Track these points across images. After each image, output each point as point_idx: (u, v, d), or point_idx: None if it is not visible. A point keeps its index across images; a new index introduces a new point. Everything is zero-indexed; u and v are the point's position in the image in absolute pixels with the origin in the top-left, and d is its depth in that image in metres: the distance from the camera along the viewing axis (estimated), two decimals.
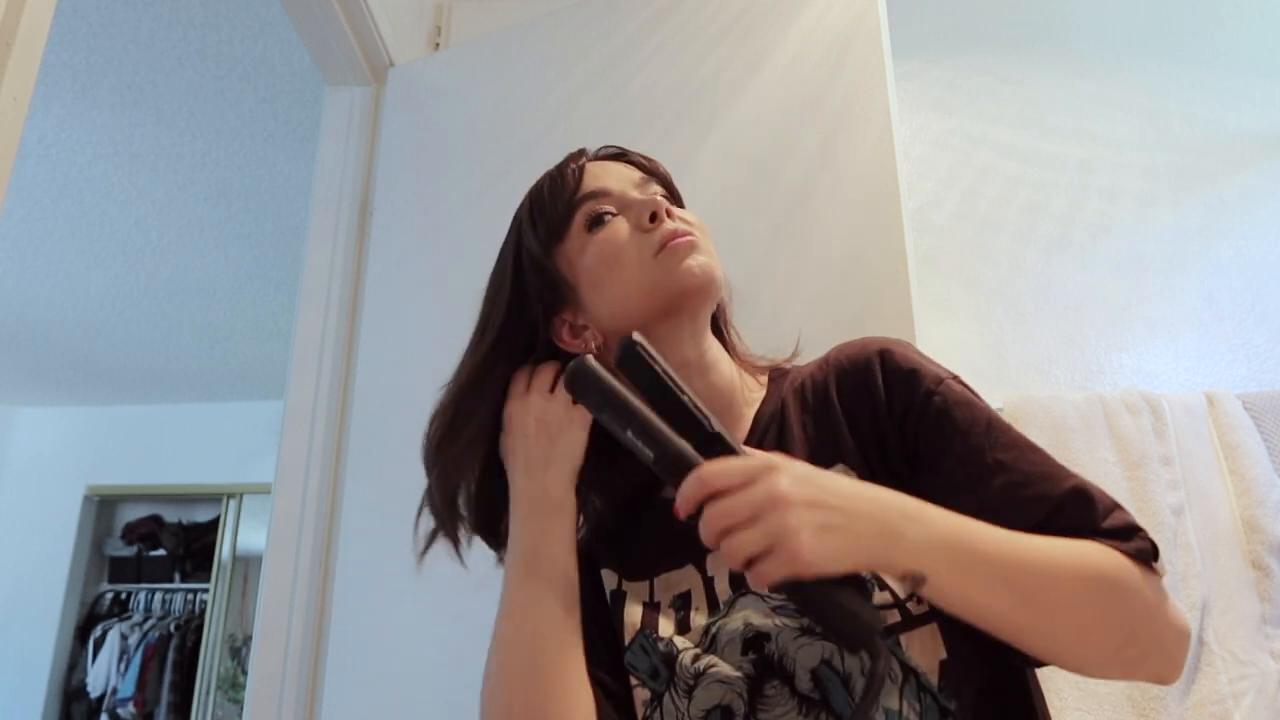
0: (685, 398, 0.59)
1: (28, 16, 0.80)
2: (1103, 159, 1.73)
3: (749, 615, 0.69)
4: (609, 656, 0.74)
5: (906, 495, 0.59)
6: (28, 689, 4.24)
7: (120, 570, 4.68)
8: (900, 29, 1.29)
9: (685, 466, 0.55)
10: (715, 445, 0.58)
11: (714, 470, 0.54)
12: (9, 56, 0.78)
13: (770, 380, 0.81)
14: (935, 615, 0.64)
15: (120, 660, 4.33)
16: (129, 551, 4.70)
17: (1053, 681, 1.28)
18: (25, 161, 2.49)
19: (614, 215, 0.77)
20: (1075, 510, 0.64)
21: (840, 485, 0.57)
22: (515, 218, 0.83)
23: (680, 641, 0.71)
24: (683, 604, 0.73)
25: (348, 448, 1.41)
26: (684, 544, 0.73)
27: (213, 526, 4.69)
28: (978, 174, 1.73)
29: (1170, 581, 1.31)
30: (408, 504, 1.33)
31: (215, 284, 3.33)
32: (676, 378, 0.60)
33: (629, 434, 0.58)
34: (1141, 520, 1.31)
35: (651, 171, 0.84)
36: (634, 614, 0.74)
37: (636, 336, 0.61)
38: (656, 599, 0.75)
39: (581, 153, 0.83)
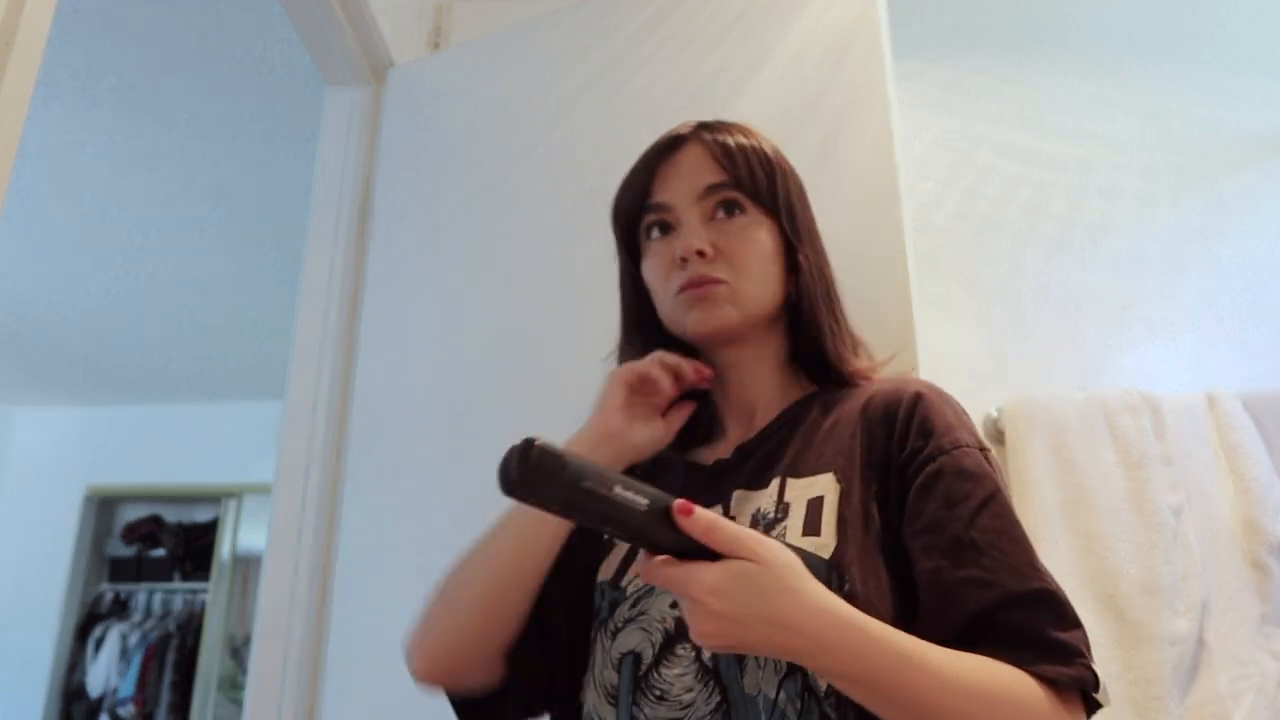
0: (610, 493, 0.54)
1: (28, 16, 0.80)
2: (1103, 159, 1.73)
3: None
4: (563, 598, 0.78)
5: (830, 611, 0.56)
6: (28, 689, 4.23)
7: (120, 570, 4.67)
8: (900, 29, 1.28)
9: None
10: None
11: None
12: (9, 56, 0.78)
13: (815, 391, 0.83)
14: None
15: (120, 660, 4.33)
16: (129, 551, 4.70)
17: None
18: (25, 161, 2.49)
19: (670, 229, 0.83)
20: (1027, 612, 0.61)
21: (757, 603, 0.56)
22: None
23: (633, 585, 0.75)
24: None
25: (348, 448, 1.41)
26: (663, 489, 0.77)
27: (213, 526, 4.68)
28: (978, 174, 1.73)
29: (1170, 581, 1.31)
30: (408, 504, 1.34)
31: (215, 284, 3.33)
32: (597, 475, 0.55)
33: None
34: (1141, 520, 1.34)
35: (729, 171, 0.82)
36: (612, 562, 0.79)
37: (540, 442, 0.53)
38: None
39: (675, 140, 0.84)
